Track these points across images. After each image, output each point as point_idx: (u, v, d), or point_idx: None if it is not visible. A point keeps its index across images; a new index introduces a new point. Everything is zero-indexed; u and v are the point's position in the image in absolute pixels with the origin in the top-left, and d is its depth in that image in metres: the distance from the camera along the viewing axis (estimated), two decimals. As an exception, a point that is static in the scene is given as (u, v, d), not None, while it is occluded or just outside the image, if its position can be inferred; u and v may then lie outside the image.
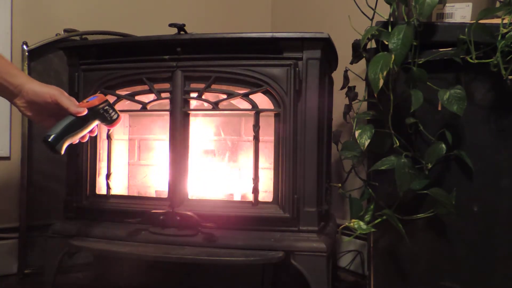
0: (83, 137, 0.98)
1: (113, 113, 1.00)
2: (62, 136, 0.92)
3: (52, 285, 1.17)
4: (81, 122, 0.95)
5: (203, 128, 1.32)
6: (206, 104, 1.14)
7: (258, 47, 1.11)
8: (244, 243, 1.06)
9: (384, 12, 1.07)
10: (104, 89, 1.18)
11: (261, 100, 1.11)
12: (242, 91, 1.11)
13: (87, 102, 0.98)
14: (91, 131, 1.00)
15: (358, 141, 1.03)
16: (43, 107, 0.96)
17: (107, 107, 1.00)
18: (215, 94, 1.16)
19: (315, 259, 1.04)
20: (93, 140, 1.21)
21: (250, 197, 1.11)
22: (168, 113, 1.16)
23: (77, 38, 1.52)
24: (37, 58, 1.48)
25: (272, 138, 1.12)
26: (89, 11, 1.61)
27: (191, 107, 1.18)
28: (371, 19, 1.12)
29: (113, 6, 1.67)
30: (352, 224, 1.04)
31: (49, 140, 0.91)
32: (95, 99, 0.99)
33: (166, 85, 1.15)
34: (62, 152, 0.93)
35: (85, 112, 0.95)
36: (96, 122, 0.99)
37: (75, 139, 0.96)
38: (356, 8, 1.13)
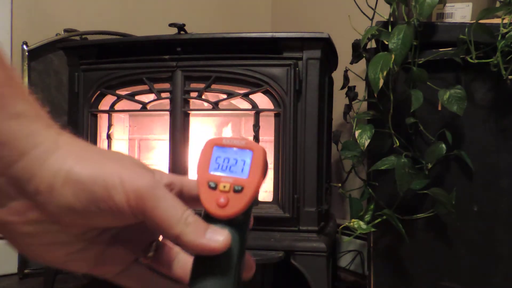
0: None
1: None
2: None
3: (52, 285, 1.17)
4: (223, 259, 0.38)
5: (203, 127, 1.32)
6: (206, 104, 1.14)
7: (258, 47, 1.11)
8: (244, 243, 1.06)
9: (384, 12, 1.07)
10: (104, 89, 1.18)
11: (261, 100, 1.11)
12: (242, 91, 1.11)
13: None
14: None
15: (358, 141, 1.03)
16: (94, 224, 0.35)
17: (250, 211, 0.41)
18: (215, 94, 1.16)
19: (315, 259, 1.04)
20: (93, 140, 1.21)
21: (250, 197, 1.11)
22: (168, 113, 1.16)
23: (77, 38, 1.52)
24: (37, 58, 1.48)
25: (272, 138, 1.12)
26: (89, 11, 1.61)
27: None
28: (371, 19, 1.12)
29: (113, 6, 1.67)
30: (352, 224, 1.04)
31: None
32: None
33: (166, 85, 1.15)
34: None
35: (228, 241, 0.35)
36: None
37: None
38: (356, 8, 1.13)
